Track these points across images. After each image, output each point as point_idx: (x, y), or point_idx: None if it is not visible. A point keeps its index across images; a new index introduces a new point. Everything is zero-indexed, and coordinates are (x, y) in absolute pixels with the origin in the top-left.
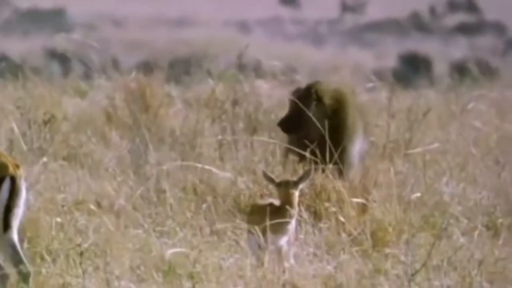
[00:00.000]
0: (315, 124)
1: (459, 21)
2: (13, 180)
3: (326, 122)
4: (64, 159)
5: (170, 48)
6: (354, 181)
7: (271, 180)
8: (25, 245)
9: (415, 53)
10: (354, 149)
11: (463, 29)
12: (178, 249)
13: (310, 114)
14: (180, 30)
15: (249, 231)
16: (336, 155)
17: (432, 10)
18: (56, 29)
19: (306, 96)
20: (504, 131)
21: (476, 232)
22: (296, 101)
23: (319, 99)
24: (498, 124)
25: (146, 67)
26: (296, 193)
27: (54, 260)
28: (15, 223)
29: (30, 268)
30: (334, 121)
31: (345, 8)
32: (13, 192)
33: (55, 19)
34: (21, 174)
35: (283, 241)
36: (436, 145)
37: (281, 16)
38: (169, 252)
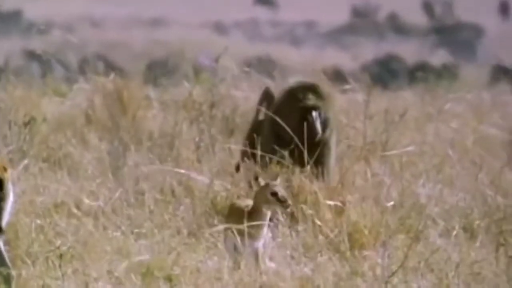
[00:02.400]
0: (294, 125)
1: (436, 23)
2: (1, 183)
3: (305, 123)
4: (43, 161)
5: (147, 50)
6: (330, 183)
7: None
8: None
9: (391, 55)
10: (333, 149)
11: (440, 31)
12: (156, 251)
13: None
14: (155, 31)
15: (226, 233)
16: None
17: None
18: (27, 31)
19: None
20: (481, 132)
21: (453, 234)
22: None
23: (298, 100)
24: (475, 125)
25: (123, 69)
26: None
27: (34, 263)
28: (2, 226)
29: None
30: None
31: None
32: (1, 195)
33: (16, 21)
34: (9, 177)
35: (260, 243)
36: (412, 147)
37: (257, 18)
38: (148, 254)
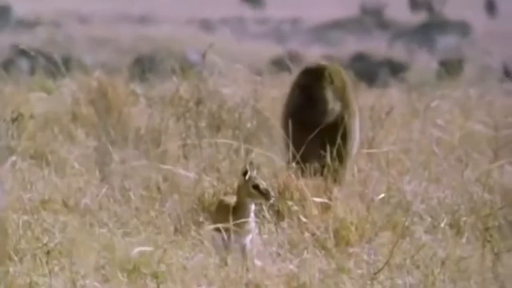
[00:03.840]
0: (329, 112)
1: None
2: None
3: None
4: (31, 157)
5: (134, 46)
6: (345, 175)
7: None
8: None
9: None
10: (355, 135)
11: (426, 28)
12: (143, 248)
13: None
14: (143, 27)
15: (214, 229)
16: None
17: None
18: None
19: (319, 78)
20: (467, 129)
21: (439, 231)
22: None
23: (332, 82)
24: (461, 122)
25: (110, 65)
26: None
27: (21, 259)
28: None
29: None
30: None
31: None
32: None
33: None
34: None
35: (247, 239)
36: (398, 144)
37: (244, 15)
38: (134, 251)
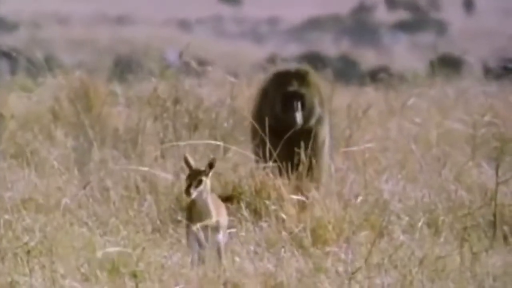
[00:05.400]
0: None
1: (399, 18)
2: None
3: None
4: (11, 157)
5: (112, 47)
6: (322, 179)
7: (189, 165)
8: None
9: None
10: (326, 140)
11: (404, 26)
12: (121, 249)
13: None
14: (121, 28)
15: (188, 228)
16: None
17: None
18: None
19: (301, 83)
20: (445, 127)
21: (417, 230)
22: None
23: (309, 85)
24: (439, 121)
25: (89, 66)
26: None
27: (2, 259)
28: None
29: None
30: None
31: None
32: None
33: None
34: None
35: (219, 236)
36: (375, 143)
37: (221, 15)
38: (113, 250)
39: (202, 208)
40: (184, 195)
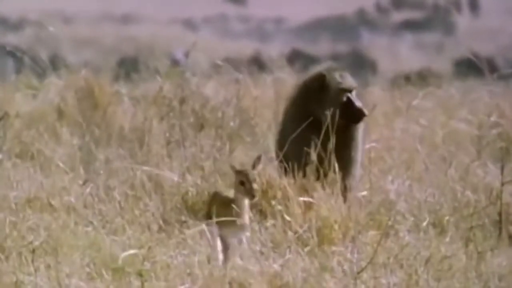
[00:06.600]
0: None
1: (406, 18)
2: None
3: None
4: (17, 156)
5: (117, 46)
6: (353, 183)
7: (239, 171)
8: None
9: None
10: (360, 140)
11: (410, 26)
12: (130, 251)
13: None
14: (126, 27)
15: (208, 223)
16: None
17: (379, 7)
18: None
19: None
20: (450, 128)
21: (423, 230)
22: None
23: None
24: (444, 121)
25: (95, 65)
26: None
27: (7, 258)
28: None
29: None
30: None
31: None
32: None
33: None
34: None
35: (246, 235)
36: (381, 142)
37: (227, 14)
38: (119, 252)
39: (238, 207)
40: (248, 199)
